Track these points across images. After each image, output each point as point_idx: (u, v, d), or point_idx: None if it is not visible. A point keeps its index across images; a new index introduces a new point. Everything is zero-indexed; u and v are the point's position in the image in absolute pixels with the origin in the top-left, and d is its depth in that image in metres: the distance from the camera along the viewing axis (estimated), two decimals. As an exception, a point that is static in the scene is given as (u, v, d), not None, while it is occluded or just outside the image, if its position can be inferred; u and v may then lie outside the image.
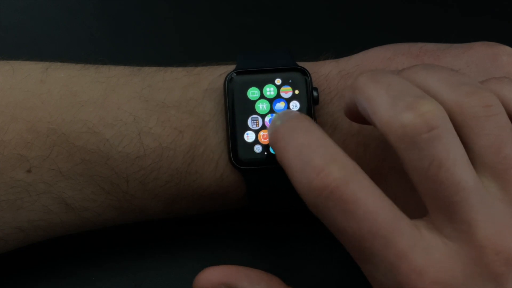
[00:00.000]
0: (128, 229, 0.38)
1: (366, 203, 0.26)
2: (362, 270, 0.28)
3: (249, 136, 0.35)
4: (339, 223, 0.27)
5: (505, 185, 0.27)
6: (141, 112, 0.34)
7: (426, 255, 0.26)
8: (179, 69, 0.36)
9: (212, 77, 0.36)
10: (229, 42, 0.46)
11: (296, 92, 0.35)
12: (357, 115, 0.31)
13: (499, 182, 0.27)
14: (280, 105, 0.35)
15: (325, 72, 0.36)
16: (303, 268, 0.39)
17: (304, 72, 0.35)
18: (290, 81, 0.35)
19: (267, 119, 0.35)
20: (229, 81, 0.35)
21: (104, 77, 0.35)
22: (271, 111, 0.35)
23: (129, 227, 0.38)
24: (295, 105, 0.35)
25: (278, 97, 0.35)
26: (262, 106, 0.35)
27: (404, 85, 0.29)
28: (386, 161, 0.34)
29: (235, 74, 0.35)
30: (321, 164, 0.27)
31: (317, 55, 0.38)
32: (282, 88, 0.35)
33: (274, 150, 0.30)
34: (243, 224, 0.40)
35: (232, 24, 0.47)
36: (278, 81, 0.35)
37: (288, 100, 0.35)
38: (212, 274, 0.32)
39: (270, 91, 0.35)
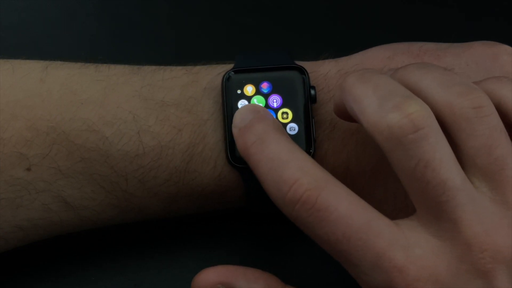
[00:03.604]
0: (128, 229, 0.38)
1: (338, 208, 0.27)
2: (349, 272, 0.28)
3: None
4: (316, 230, 0.28)
5: (497, 186, 0.27)
6: (140, 111, 0.34)
7: (407, 252, 0.26)
8: (178, 68, 0.37)
9: (211, 76, 0.36)
10: (229, 42, 0.46)
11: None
12: (346, 114, 0.31)
13: (491, 183, 0.27)
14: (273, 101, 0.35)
15: (324, 71, 0.36)
16: (301, 267, 0.39)
17: (302, 70, 0.35)
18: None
19: None
20: (226, 79, 0.35)
21: (104, 76, 0.35)
22: (266, 107, 0.35)
23: (129, 227, 0.38)
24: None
25: (273, 93, 0.35)
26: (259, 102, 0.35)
27: (392, 85, 0.29)
28: (385, 159, 0.34)
29: (232, 72, 0.35)
30: (291, 177, 0.28)
31: (317, 55, 0.38)
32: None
33: (248, 163, 0.31)
34: (243, 224, 0.40)
35: (231, 24, 0.47)
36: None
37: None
38: (209, 275, 0.32)
39: (266, 87, 0.35)
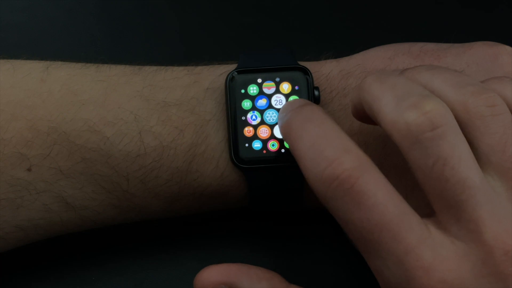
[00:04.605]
0: (128, 229, 0.38)
1: (376, 194, 0.27)
2: (369, 265, 0.28)
3: (250, 134, 0.35)
4: (348, 214, 0.27)
5: None
6: (141, 111, 0.34)
7: (434, 252, 0.26)
8: (180, 68, 0.37)
9: (213, 76, 0.36)
10: (230, 42, 0.46)
11: (296, 88, 0.35)
12: (364, 115, 0.31)
13: (506, 181, 0.27)
14: (278, 100, 0.35)
15: (326, 71, 0.36)
16: (303, 267, 0.39)
17: (305, 71, 0.35)
18: (290, 78, 0.35)
19: (265, 115, 0.35)
20: (230, 80, 0.35)
21: (105, 76, 0.35)
22: (270, 106, 0.35)
23: (129, 227, 0.38)
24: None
25: (277, 92, 0.35)
26: (262, 102, 0.35)
27: (409, 85, 0.29)
28: (387, 160, 0.34)
29: (236, 73, 0.35)
30: (333, 155, 0.27)
31: (318, 55, 0.38)
32: (281, 84, 0.35)
33: (286, 140, 0.30)
34: (243, 223, 0.40)
35: (232, 23, 0.47)
36: (277, 79, 0.35)
37: (287, 96, 0.35)
38: (212, 274, 0.31)
39: (270, 87, 0.35)
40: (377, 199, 0.26)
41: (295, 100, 0.32)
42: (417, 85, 0.29)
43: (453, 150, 0.26)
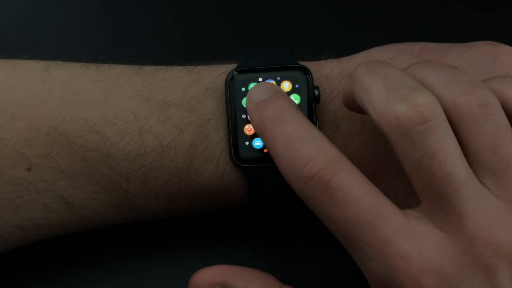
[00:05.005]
0: (128, 229, 0.38)
1: (351, 189, 0.27)
2: (352, 257, 0.29)
3: (251, 132, 0.35)
4: (326, 210, 0.28)
5: (502, 184, 0.27)
6: (141, 111, 0.34)
7: (412, 241, 0.27)
8: (180, 68, 0.37)
9: (213, 76, 0.36)
10: (230, 42, 0.46)
11: (297, 86, 0.35)
12: (354, 105, 0.31)
13: (496, 181, 0.27)
14: None
15: (326, 71, 0.36)
16: (303, 267, 0.39)
17: (306, 71, 0.35)
18: (290, 77, 0.35)
19: None
20: (230, 79, 0.35)
21: (105, 76, 0.35)
22: None
23: (129, 227, 0.38)
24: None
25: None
26: None
27: (401, 77, 0.29)
28: (388, 160, 0.34)
29: (236, 72, 0.35)
30: (308, 154, 0.28)
31: (318, 55, 0.38)
32: (282, 83, 0.35)
33: (261, 139, 0.31)
34: (243, 223, 0.40)
35: (233, 23, 0.47)
36: (278, 78, 0.35)
37: (287, 94, 0.35)
38: (206, 274, 0.32)
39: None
40: (352, 194, 0.27)
41: (261, 86, 0.32)
42: (409, 78, 0.29)
43: (441, 145, 0.27)
